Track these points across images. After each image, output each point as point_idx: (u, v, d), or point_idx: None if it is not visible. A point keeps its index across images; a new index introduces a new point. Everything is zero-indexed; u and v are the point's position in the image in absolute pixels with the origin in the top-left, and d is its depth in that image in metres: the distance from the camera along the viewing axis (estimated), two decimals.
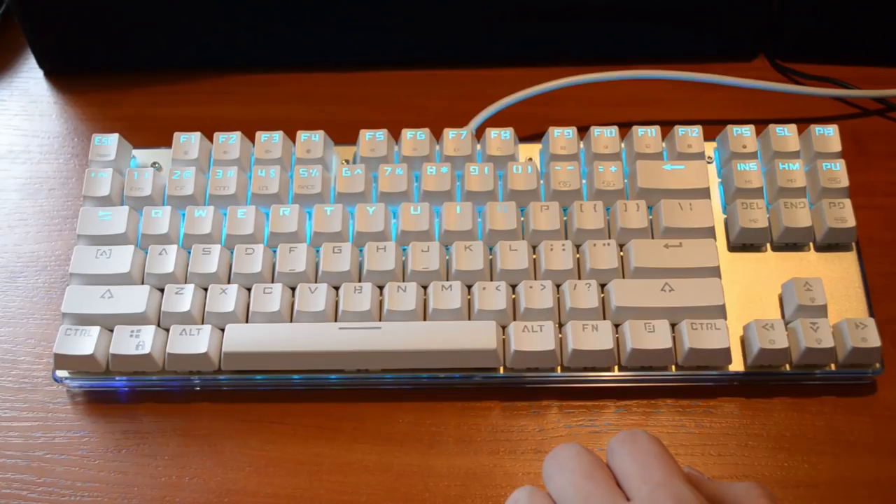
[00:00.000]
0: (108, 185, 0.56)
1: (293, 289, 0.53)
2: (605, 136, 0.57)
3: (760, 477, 0.49)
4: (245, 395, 0.53)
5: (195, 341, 0.51)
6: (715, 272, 0.52)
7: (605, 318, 0.52)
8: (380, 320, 0.52)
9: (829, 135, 0.56)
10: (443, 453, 0.51)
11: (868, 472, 0.49)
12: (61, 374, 0.53)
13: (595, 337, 0.50)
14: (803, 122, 0.57)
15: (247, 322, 0.52)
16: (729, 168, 0.56)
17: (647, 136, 0.57)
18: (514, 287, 0.52)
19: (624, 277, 0.53)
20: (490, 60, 0.66)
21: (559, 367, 0.51)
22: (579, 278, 0.53)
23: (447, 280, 0.53)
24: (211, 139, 0.58)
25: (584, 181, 0.56)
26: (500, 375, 0.52)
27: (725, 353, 0.50)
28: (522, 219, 0.55)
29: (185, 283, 0.53)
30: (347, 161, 0.58)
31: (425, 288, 0.53)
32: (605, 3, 0.63)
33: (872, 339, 0.49)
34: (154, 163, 0.59)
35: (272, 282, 0.53)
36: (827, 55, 0.65)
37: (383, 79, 0.66)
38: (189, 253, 0.54)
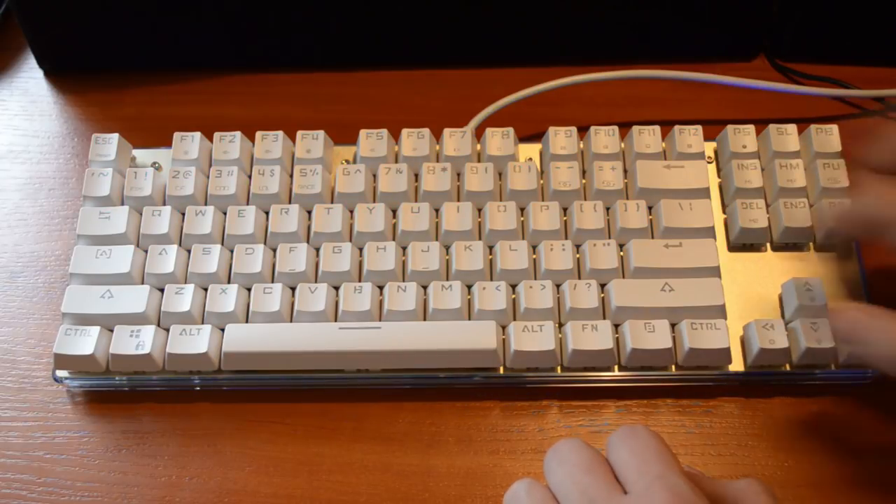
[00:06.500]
0: (108, 185, 0.56)
1: (293, 289, 0.53)
2: (605, 136, 0.57)
3: (761, 477, 0.49)
4: (245, 395, 0.53)
5: (195, 341, 0.51)
6: (715, 272, 0.52)
7: (605, 318, 0.52)
8: (380, 320, 0.52)
9: (829, 135, 0.56)
10: (443, 453, 0.51)
11: (868, 472, 0.49)
12: (61, 373, 0.53)
13: (595, 337, 0.50)
14: (803, 122, 0.57)
15: (247, 322, 0.52)
16: (729, 168, 0.56)
17: (647, 136, 0.57)
18: (514, 287, 0.52)
19: (624, 277, 0.53)
20: (490, 60, 0.66)
21: (559, 367, 0.51)
22: (579, 278, 0.53)
23: (447, 280, 0.53)
24: (211, 139, 0.58)
25: (584, 181, 0.56)
26: (500, 375, 0.52)
27: (725, 353, 0.50)
28: (522, 219, 0.55)
29: (185, 283, 0.53)
30: (347, 161, 0.58)
31: (425, 288, 0.53)
32: (605, 3, 0.63)
33: None
34: (154, 163, 0.59)
35: (272, 282, 0.53)
36: (827, 55, 0.65)
37: (383, 79, 0.66)
38: (189, 253, 0.54)
